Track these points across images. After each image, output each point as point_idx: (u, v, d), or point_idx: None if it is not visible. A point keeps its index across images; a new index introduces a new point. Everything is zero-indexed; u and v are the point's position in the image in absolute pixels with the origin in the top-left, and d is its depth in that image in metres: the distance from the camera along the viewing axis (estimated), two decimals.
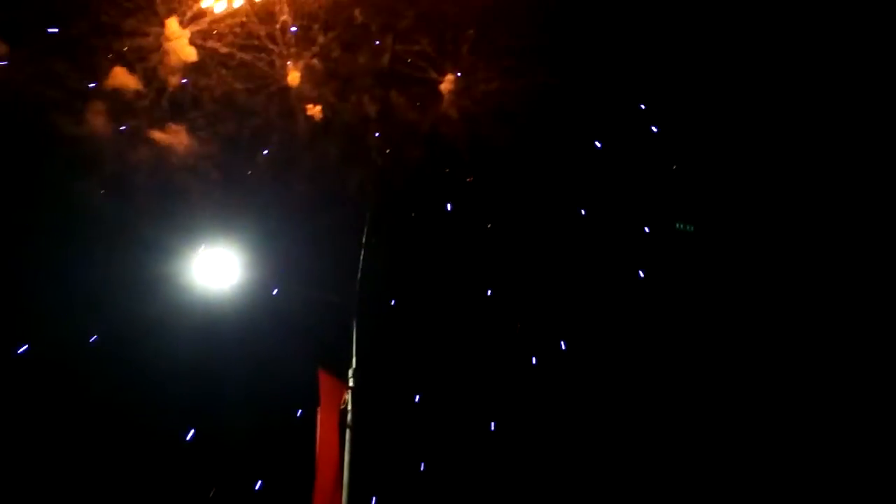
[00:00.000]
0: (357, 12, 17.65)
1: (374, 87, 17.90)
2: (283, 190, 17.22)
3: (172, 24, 17.74)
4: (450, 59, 17.95)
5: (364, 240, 15.49)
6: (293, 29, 17.79)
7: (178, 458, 17.06)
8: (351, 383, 12.61)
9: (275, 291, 16.11)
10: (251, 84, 17.96)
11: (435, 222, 17.51)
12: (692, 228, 18.31)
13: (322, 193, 17.34)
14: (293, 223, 16.94)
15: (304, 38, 17.97)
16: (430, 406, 17.17)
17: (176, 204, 16.79)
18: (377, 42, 17.81)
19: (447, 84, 17.86)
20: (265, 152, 17.66)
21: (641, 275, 17.59)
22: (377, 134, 17.69)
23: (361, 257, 15.12)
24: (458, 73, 17.86)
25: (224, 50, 17.93)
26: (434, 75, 18.05)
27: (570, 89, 17.49)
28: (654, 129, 17.44)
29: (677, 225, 18.36)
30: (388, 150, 17.64)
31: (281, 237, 16.85)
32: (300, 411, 15.57)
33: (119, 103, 17.46)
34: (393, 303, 16.99)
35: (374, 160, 17.46)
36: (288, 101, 18.00)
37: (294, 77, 18.00)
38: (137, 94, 17.58)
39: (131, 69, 17.60)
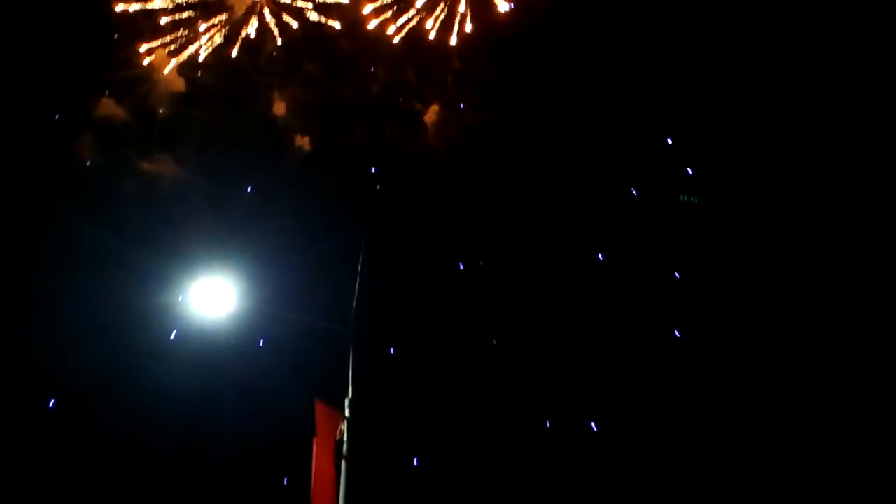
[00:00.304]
0: (345, 43, 17.77)
1: (363, 117, 18.00)
2: (279, 219, 17.27)
3: (161, 55, 17.91)
4: (436, 90, 18.04)
5: (359, 268, 15.52)
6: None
7: (174, 486, 17.01)
8: (347, 413, 12.59)
9: (261, 341, 16.18)
10: (241, 114, 18.06)
11: (430, 253, 17.56)
12: (696, 200, 18.17)
13: (318, 222, 17.40)
14: (289, 252, 16.99)
15: (291, 69, 18.09)
16: (427, 438, 17.15)
17: (172, 234, 16.83)
18: (367, 70, 17.86)
19: (433, 114, 17.94)
20: (258, 183, 17.73)
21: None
22: (370, 167, 17.77)
23: (357, 286, 15.14)
24: (444, 104, 17.95)
25: (213, 80, 18.09)
26: (420, 106, 18.14)
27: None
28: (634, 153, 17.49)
29: (681, 197, 18.22)
30: (379, 180, 17.71)
31: (277, 266, 16.88)
32: (296, 441, 15.56)
33: (110, 134, 17.55)
34: (392, 350, 16.99)
35: (368, 189, 17.53)
36: (280, 131, 18.10)
37: (281, 107, 18.14)
38: (127, 124, 17.69)
39: (121, 100, 17.74)
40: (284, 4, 18.00)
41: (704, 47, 17.30)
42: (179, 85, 17.97)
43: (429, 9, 17.73)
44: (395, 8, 17.79)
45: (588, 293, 17.20)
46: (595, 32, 17.17)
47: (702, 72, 17.48)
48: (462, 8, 17.60)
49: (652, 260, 17.88)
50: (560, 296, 17.23)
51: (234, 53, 18.03)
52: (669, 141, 17.74)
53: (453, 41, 17.38)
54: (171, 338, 15.77)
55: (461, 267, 17.31)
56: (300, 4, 17.99)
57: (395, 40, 17.65)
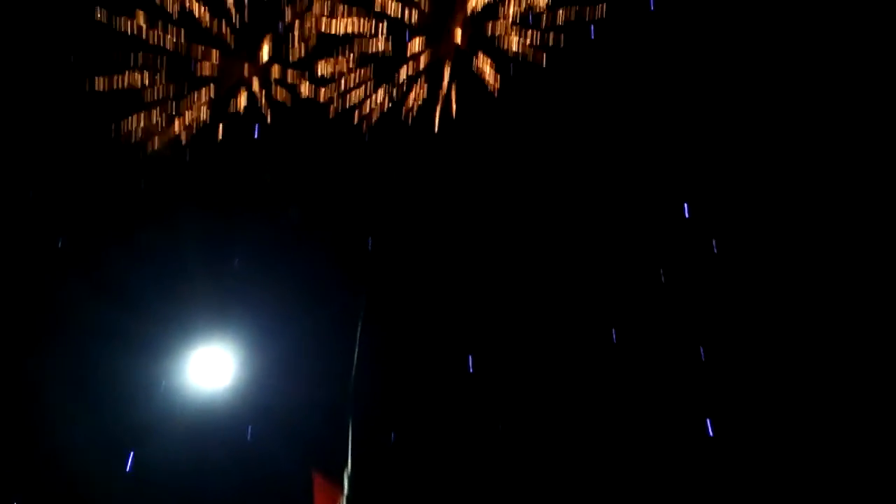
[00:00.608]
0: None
1: (356, 183, 18.07)
2: (275, 287, 17.19)
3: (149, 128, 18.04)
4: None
5: (357, 337, 15.43)
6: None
7: None
8: (346, 488, 12.40)
9: (258, 412, 16.06)
10: (233, 184, 18.11)
11: (432, 319, 17.45)
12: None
13: (315, 289, 17.32)
14: (287, 321, 16.87)
15: (282, 138, 18.23)
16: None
17: (165, 305, 16.73)
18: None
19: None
20: (253, 251, 17.70)
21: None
22: (367, 233, 17.78)
23: (356, 355, 15.07)
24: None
25: (203, 152, 18.20)
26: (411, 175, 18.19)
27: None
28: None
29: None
30: (375, 246, 17.71)
31: (274, 335, 16.75)
32: None
33: (97, 204, 17.59)
34: (393, 437, 16.80)
35: (365, 254, 17.51)
36: (273, 198, 18.13)
37: (273, 175, 18.21)
38: (115, 193, 17.73)
39: (111, 170, 17.80)
40: (275, 79, 18.15)
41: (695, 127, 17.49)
42: (169, 155, 18.04)
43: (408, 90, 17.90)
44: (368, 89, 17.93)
45: (601, 375, 17.08)
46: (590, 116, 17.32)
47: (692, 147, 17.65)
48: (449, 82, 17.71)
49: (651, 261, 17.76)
50: (570, 370, 17.09)
51: (220, 131, 18.13)
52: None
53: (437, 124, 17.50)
54: (166, 411, 15.54)
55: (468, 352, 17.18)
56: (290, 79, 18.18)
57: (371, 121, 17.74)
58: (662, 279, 17.65)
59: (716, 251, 17.52)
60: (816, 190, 17.53)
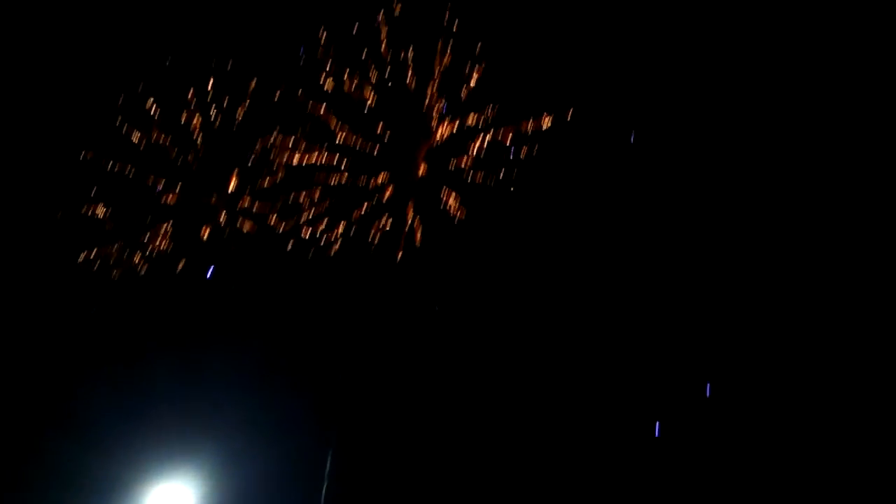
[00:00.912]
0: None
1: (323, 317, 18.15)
2: (241, 415, 16.95)
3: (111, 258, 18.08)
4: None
5: (327, 469, 15.30)
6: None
7: None
8: None
9: None
10: (196, 316, 18.04)
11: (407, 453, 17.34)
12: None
13: (282, 420, 17.12)
14: (253, 451, 16.58)
15: (247, 268, 18.35)
16: None
17: (125, 436, 16.36)
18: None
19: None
20: (217, 380, 17.51)
21: None
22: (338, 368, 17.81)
23: (324, 490, 14.90)
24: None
25: (168, 283, 18.20)
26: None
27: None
28: None
29: None
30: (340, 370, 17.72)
31: (238, 466, 16.42)
32: None
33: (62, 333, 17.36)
34: None
35: (334, 382, 17.47)
36: (239, 331, 18.07)
37: (240, 308, 18.21)
38: (77, 323, 17.54)
39: (74, 299, 17.66)
40: (242, 209, 18.44)
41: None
42: (132, 284, 18.02)
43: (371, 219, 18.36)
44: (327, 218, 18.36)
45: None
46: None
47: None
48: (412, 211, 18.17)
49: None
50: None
51: (181, 265, 18.26)
52: None
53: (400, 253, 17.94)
54: None
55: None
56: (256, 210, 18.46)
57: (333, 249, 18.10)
58: None
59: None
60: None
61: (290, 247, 18.21)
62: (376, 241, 18.23)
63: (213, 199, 18.37)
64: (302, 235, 18.07)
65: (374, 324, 18.06)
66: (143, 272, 18.33)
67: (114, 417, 15.79)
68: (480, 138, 17.57)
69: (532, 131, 17.37)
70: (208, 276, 17.86)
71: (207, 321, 18.08)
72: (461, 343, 17.50)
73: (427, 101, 18.19)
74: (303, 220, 18.20)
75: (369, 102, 18.18)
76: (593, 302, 17.64)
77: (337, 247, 18.26)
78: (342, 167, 18.37)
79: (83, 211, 18.22)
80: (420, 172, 18.04)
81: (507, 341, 17.62)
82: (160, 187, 18.65)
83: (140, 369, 16.79)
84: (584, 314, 17.63)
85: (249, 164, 18.24)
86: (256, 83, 18.32)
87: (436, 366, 17.44)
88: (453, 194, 17.73)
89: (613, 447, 16.79)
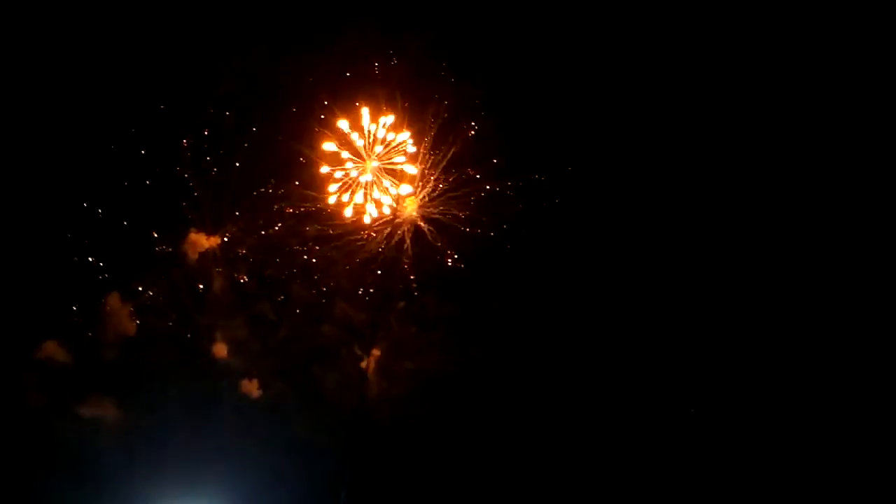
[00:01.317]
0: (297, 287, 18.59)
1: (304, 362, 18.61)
2: (234, 464, 17.35)
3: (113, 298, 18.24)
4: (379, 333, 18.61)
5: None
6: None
7: None
8: None
9: None
10: (189, 357, 18.27)
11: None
12: None
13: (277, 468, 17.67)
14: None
15: (241, 311, 18.72)
16: None
17: (119, 483, 16.74)
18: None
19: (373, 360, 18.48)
20: (212, 426, 17.84)
21: None
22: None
23: None
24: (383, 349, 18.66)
25: (162, 323, 18.53)
26: (360, 352, 18.69)
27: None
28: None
29: None
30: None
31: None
32: None
33: (52, 376, 17.59)
34: None
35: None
36: (230, 373, 18.36)
37: (231, 349, 18.48)
38: (71, 367, 17.68)
39: (67, 342, 17.81)
40: (239, 254, 18.78)
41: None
42: (129, 328, 18.28)
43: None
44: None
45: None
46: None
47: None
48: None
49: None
50: None
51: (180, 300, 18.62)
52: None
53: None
54: None
55: None
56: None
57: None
58: None
59: None
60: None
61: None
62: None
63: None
64: None
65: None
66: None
67: (96, 461, 16.45)
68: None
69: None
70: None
71: (197, 364, 18.06)
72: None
73: None
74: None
75: None
76: (595, 303, 18.46)
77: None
78: None
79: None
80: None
81: (508, 346, 18.42)
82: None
83: (124, 413, 17.22)
84: (586, 316, 18.46)
85: None
86: None
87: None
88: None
89: (613, 447, 17.67)
